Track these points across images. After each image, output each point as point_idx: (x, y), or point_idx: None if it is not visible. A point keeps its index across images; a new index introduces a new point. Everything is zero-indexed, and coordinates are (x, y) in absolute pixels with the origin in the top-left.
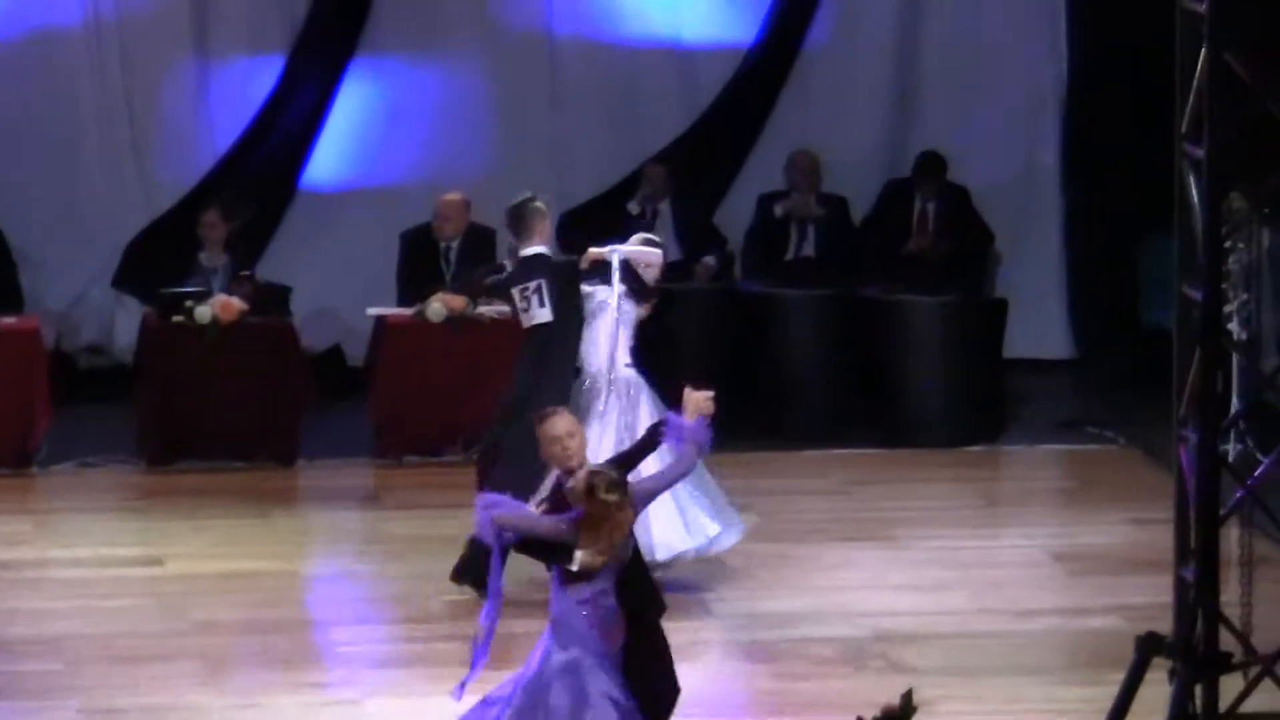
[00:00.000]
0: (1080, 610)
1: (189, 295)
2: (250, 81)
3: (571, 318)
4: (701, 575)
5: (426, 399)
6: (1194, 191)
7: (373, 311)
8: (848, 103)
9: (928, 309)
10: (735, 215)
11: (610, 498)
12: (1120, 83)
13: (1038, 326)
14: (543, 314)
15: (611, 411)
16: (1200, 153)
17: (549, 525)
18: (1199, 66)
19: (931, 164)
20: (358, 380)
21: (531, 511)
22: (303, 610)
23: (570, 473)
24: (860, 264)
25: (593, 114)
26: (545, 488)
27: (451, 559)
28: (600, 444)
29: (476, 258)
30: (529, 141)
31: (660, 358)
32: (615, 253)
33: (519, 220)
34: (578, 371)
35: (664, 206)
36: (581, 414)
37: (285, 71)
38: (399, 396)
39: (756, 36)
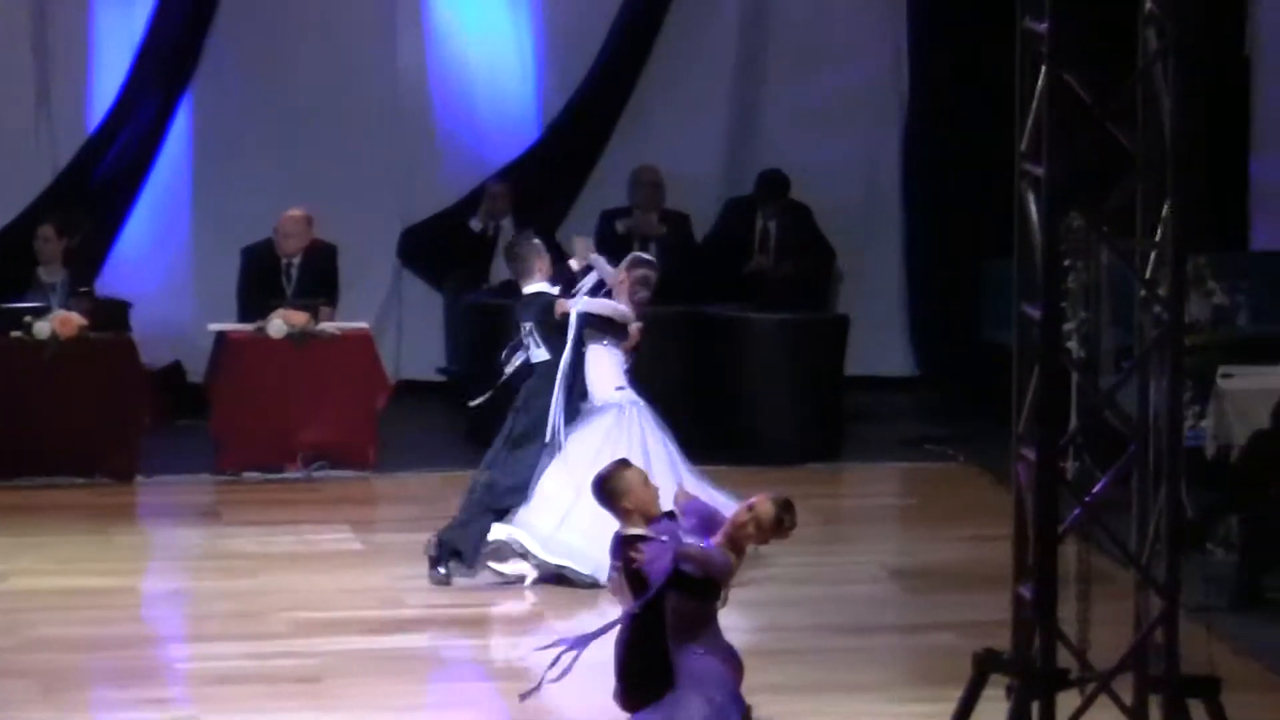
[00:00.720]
0: (920, 627)
1: (27, 311)
2: (90, 95)
3: (566, 351)
4: (541, 591)
5: (267, 415)
6: (1033, 210)
7: (213, 327)
8: (690, 120)
9: (769, 327)
10: (578, 232)
11: (791, 527)
12: (961, 103)
13: (879, 345)
14: (540, 354)
15: (609, 435)
16: (1040, 172)
17: (721, 561)
18: (1038, 86)
19: (773, 182)
20: (198, 396)
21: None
22: (142, 627)
23: (653, 518)
24: (703, 281)
25: (434, 131)
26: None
27: (292, 574)
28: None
29: (318, 274)
30: (371, 158)
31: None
32: (575, 306)
33: (516, 259)
34: (583, 397)
35: (506, 224)
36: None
37: (125, 86)
38: (239, 412)
39: (599, 54)
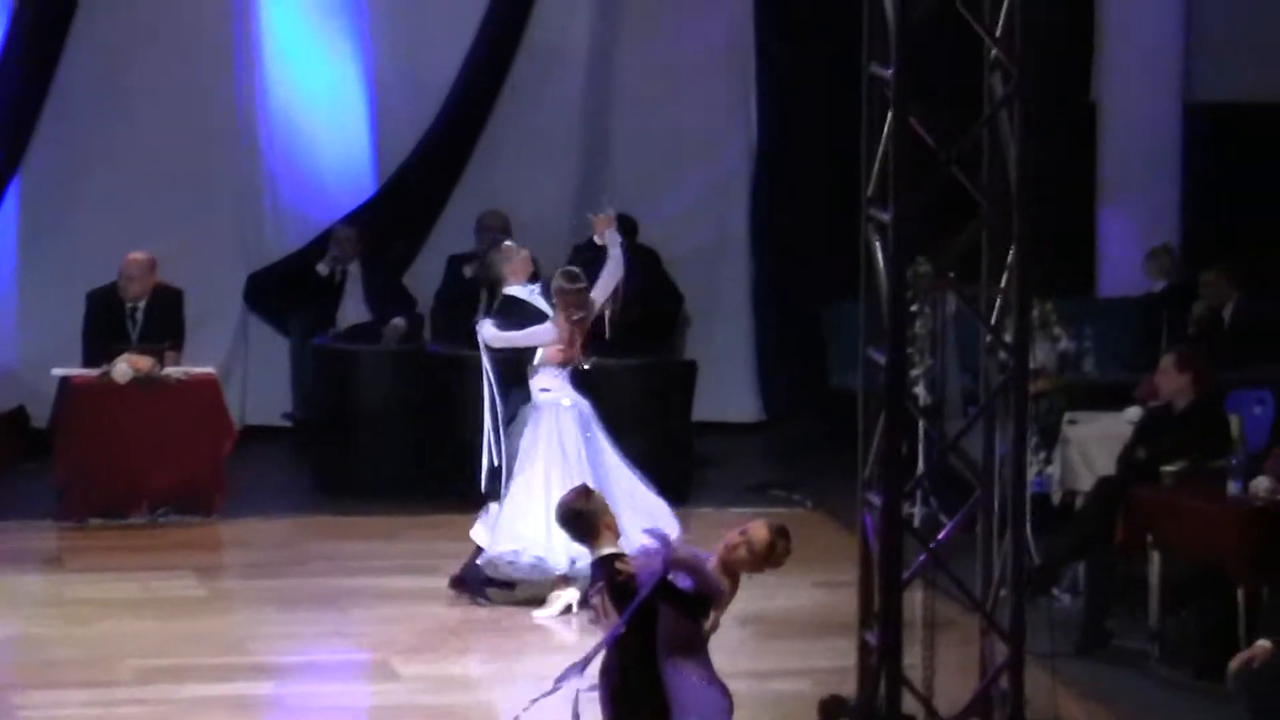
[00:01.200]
0: (768, 673)
1: None
2: None
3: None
4: (384, 637)
5: (112, 460)
6: (880, 255)
7: (57, 372)
8: (538, 164)
9: (617, 371)
10: (425, 276)
11: (785, 554)
12: (810, 147)
13: (726, 390)
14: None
15: (532, 436)
16: (886, 217)
17: (714, 577)
18: (885, 131)
19: (620, 226)
20: (42, 441)
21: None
22: None
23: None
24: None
25: (282, 175)
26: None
27: (138, 621)
28: (539, 467)
29: (164, 318)
30: (217, 202)
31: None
32: (483, 339)
33: (490, 269)
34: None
35: (353, 268)
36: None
37: None
38: (83, 458)
39: (447, 98)
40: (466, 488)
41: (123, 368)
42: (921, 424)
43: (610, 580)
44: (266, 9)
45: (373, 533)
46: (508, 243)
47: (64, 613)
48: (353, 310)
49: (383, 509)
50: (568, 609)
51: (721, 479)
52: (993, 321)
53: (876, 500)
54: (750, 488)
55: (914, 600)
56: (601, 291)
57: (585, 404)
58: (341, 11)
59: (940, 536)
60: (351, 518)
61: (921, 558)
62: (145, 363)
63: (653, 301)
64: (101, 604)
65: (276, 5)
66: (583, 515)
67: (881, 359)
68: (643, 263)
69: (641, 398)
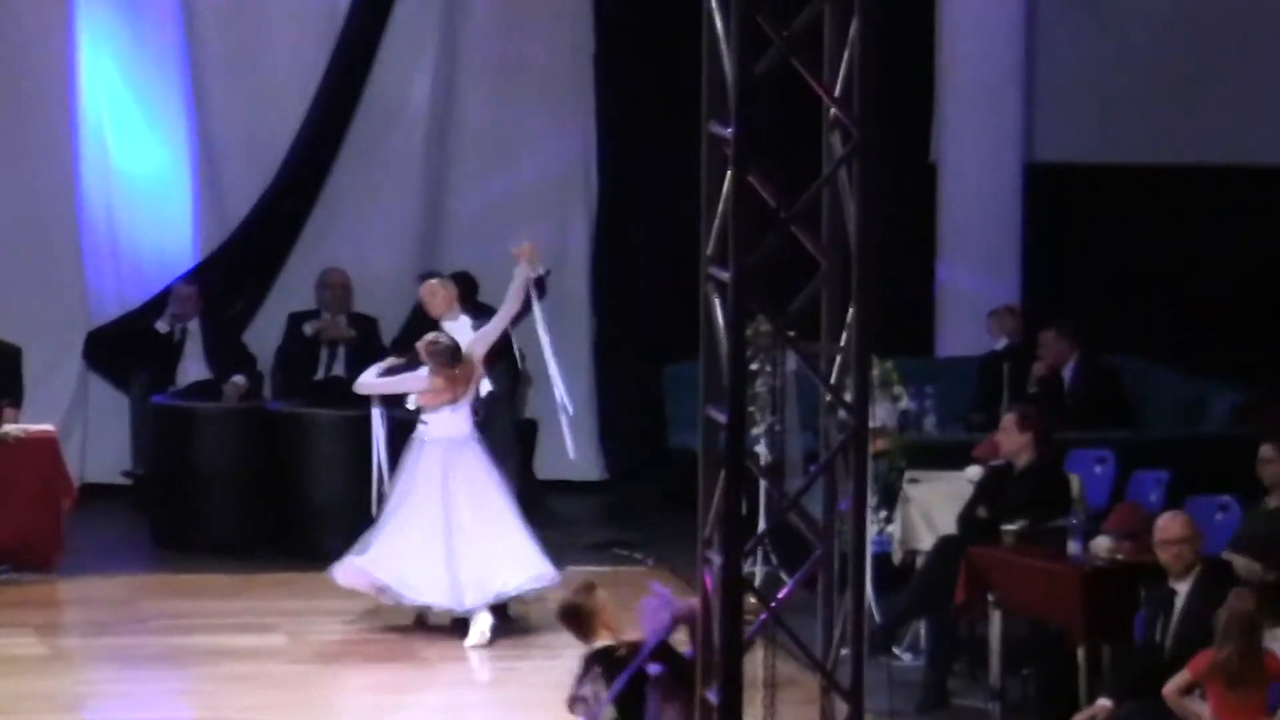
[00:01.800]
0: None
1: None
2: None
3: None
4: (224, 696)
5: None
6: (719, 314)
7: None
8: (378, 221)
9: None
10: (265, 334)
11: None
12: (649, 204)
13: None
14: (486, 386)
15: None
16: (725, 275)
17: None
18: (724, 190)
19: (462, 284)
20: None
21: None
22: None
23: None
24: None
25: (120, 231)
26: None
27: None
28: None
29: (2, 376)
30: (53, 258)
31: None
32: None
33: (427, 305)
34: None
35: (193, 325)
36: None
37: None
38: None
39: (286, 156)
40: (308, 545)
41: None
42: (762, 482)
43: (607, 661)
44: (94, 67)
45: (213, 591)
46: (431, 280)
47: None
48: (193, 368)
49: (223, 567)
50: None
51: (563, 537)
52: (832, 380)
53: (717, 558)
54: (592, 546)
55: (755, 659)
56: (498, 322)
57: (468, 443)
58: (177, 68)
59: (781, 595)
60: (191, 575)
61: (763, 616)
62: None
63: (491, 360)
64: None
65: (106, 63)
66: (580, 612)
67: (721, 418)
68: (483, 321)
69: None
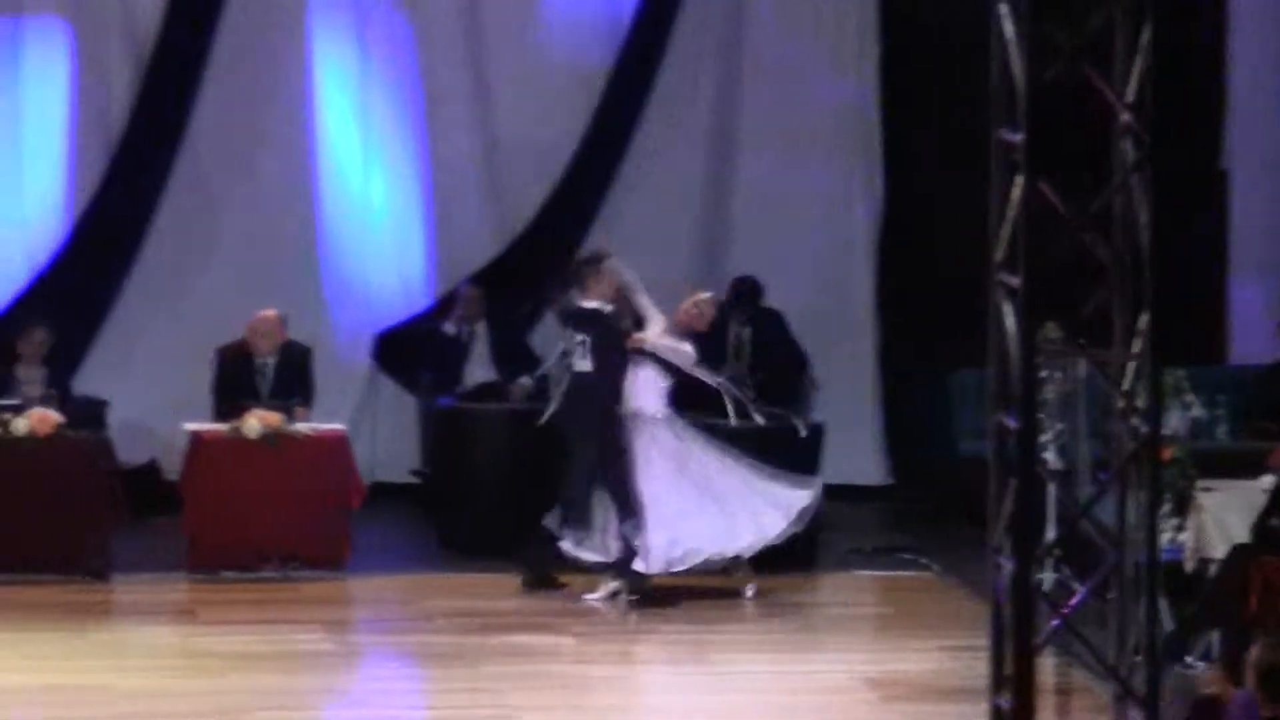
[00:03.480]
0: None
1: (5, 408)
2: (72, 192)
3: (609, 372)
4: (512, 694)
5: (241, 514)
6: (1009, 320)
7: (188, 427)
8: (662, 225)
9: (743, 433)
10: (552, 336)
11: None
12: (935, 214)
13: (853, 452)
14: (584, 365)
15: (653, 448)
16: (1015, 282)
17: None
18: (1013, 196)
19: (746, 289)
20: (174, 495)
21: None
22: None
23: None
24: (675, 389)
25: (406, 235)
26: None
27: (267, 675)
28: (648, 477)
29: (293, 375)
30: (344, 263)
31: None
32: (647, 344)
33: (579, 277)
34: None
35: (479, 328)
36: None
37: (104, 183)
38: (213, 511)
39: (571, 157)
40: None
41: (252, 423)
42: (1051, 489)
43: None
44: (331, 101)
45: (498, 590)
46: (605, 264)
47: (194, 665)
48: (479, 370)
49: (506, 567)
50: (614, 594)
51: (848, 542)
52: (1124, 387)
53: (1007, 565)
54: (876, 551)
55: (1046, 666)
56: (663, 344)
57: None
58: (465, 76)
59: (1072, 603)
60: (476, 575)
61: (1054, 624)
62: (275, 418)
63: (778, 364)
64: (231, 657)
65: (341, 97)
66: None
67: (1012, 424)
68: (768, 325)
69: (767, 460)
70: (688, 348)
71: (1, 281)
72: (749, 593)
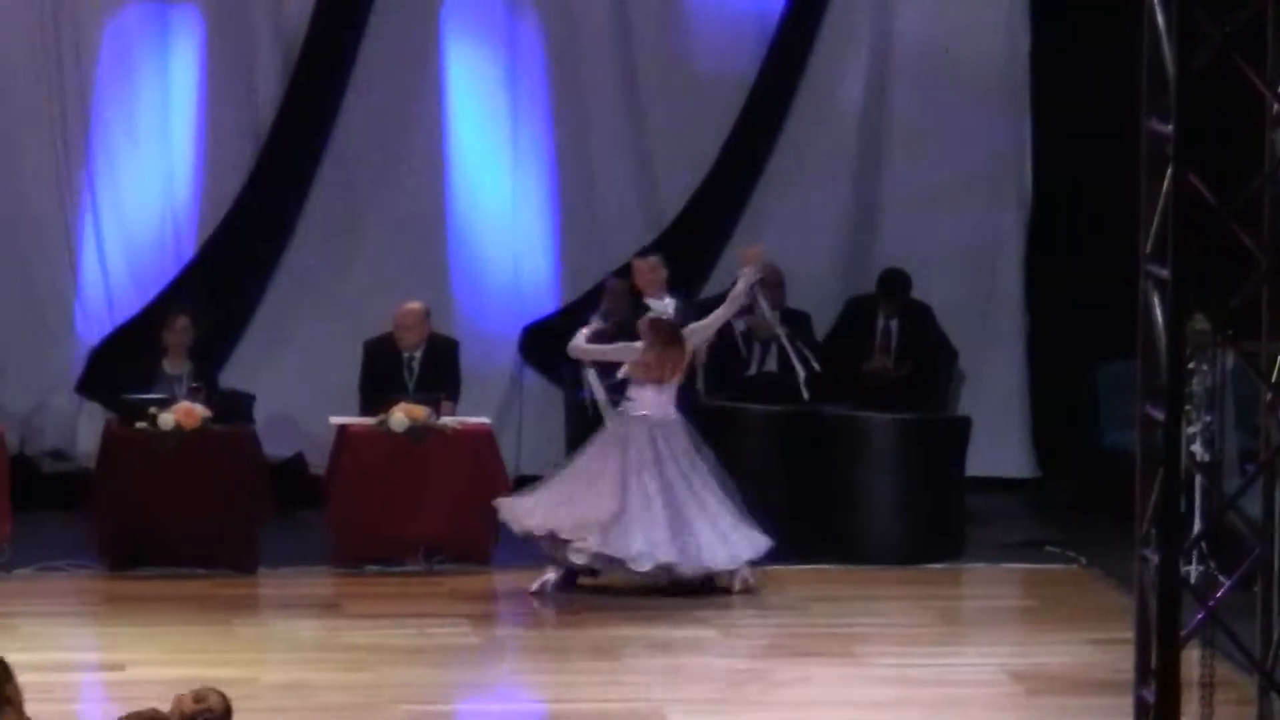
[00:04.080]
0: None
1: (152, 402)
2: (216, 186)
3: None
4: (660, 687)
5: (386, 508)
6: (1158, 312)
7: (335, 420)
8: (810, 218)
9: (888, 426)
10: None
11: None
12: (1084, 205)
13: (999, 445)
14: None
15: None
16: (1164, 273)
17: None
18: (1164, 187)
19: (894, 281)
20: (319, 489)
21: None
22: (260, 718)
23: None
24: (822, 380)
25: (554, 227)
26: None
27: (411, 668)
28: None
29: (439, 368)
30: (490, 254)
31: None
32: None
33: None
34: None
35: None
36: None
37: (251, 178)
38: (359, 505)
39: (719, 153)
40: None
41: (399, 417)
42: (1198, 481)
43: None
44: (462, 105)
45: (641, 584)
46: (652, 258)
47: (339, 658)
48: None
49: None
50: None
51: (994, 534)
52: (1274, 379)
53: (1153, 557)
54: (1023, 543)
55: (1191, 659)
56: (713, 320)
57: (675, 423)
58: (613, 69)
59: (1219, 595)
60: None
61: (1200, 617)
62: (421, 412)
63: (925, 356)
64: (376, 650)
65: (472, 102)
66: None
67: (1159, 416)
68: (916, 318)
69: (912, 452)
70: (626, 348)
71: (148, 276)
72: (738, 587)
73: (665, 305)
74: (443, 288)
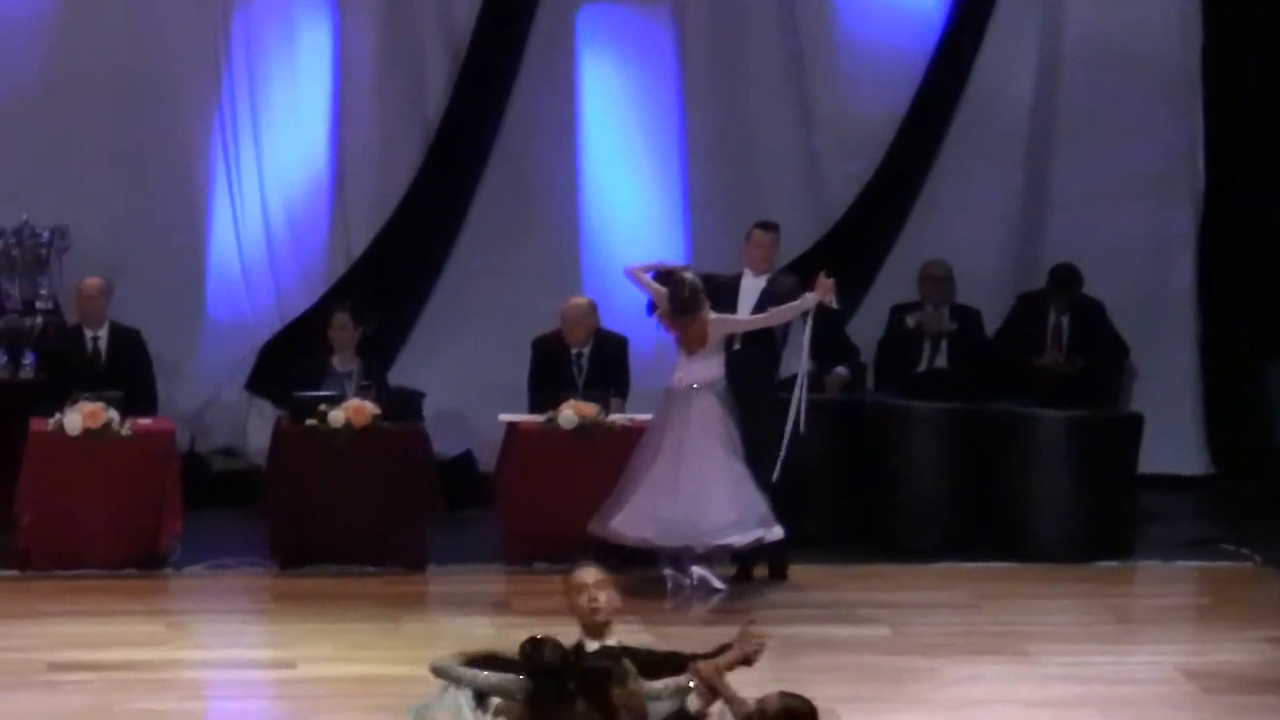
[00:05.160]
0: None
1: (322, 399)
2: (384, 185)
3: None
4: (828, 683)
5: (557, 506)
6: None
7: (504, 418)
8: (979, 214)
9: (1059, 424)
10: (868, 325)
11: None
12: (1259, 200)
13: (1171, 442)
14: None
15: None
16: None
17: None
18: None
19: (1065, 276)
20: (488, 486)
21: None
22: None
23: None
24: (992, 377)
25: (722, 224)
26: None
27: None
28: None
29: (608, 365)
30: (661, 251)
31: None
32: None
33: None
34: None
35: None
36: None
37: (419, 176)
38: (529, 503)
39: (889, 146)
40: (898, 538)
41: (568, 414)
42: None
43: None
44: (594, 114)
45: (804, 581)
46: (774, 232)
47: None
48: (794, 359)
49: (811, 557)
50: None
51: (1167, 532)
52: None
53: None
54: (1197, 541)
55: None
56: (750, 321)
57: (699, 392)
58: (782, 61)
59: None
60: (797, 565)
61: None
62: (590, 409)
63: (1096, 352)
64: None
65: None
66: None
67: None
68: (1087, 314)
69: (1083, 450)
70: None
71: (317, 274)
72: (718, 584)
73: (755, 284)
74: (612, 283)
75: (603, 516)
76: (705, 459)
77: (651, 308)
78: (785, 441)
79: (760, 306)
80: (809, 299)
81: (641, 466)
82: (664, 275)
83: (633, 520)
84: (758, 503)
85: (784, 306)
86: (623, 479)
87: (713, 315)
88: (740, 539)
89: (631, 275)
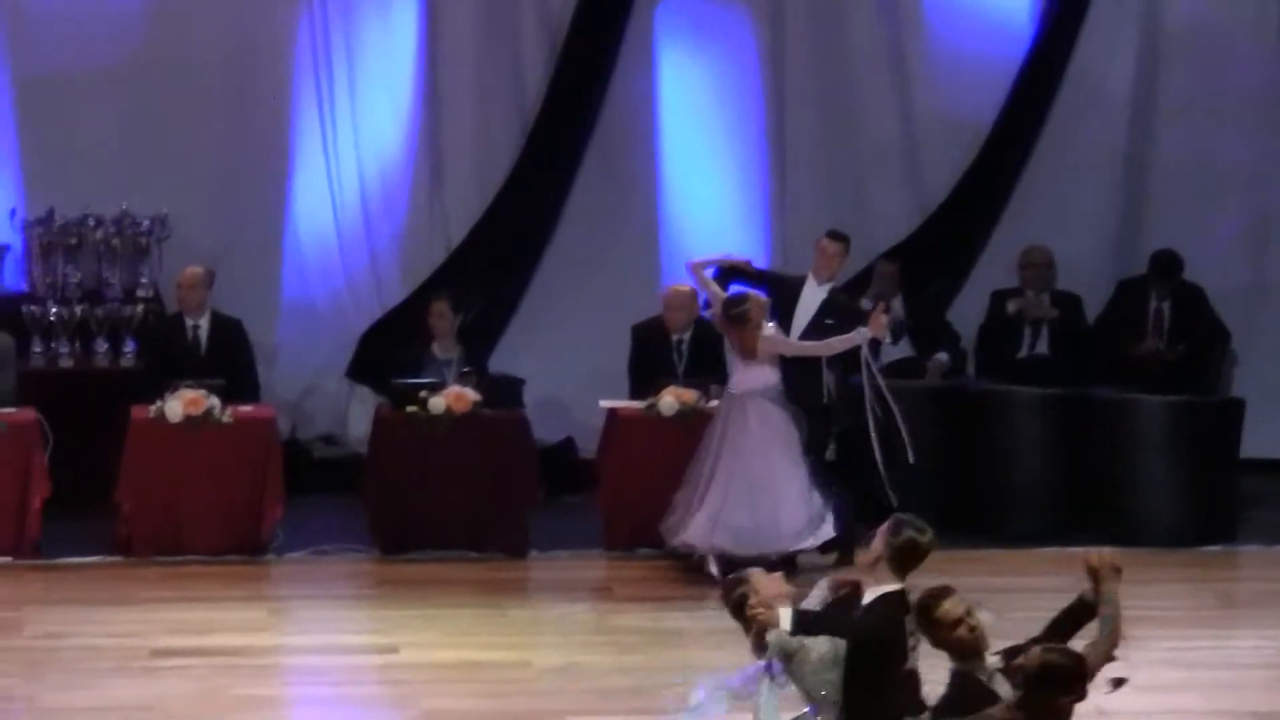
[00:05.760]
0: None
1: (422, 386)
2: (483, 173)
3: None
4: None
5: (657, 492)
6: None
7: (605, 404)
8: (1078, 201)
9: (1161, 409)
10: (969, 311)
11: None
12: None
13: (1273, 427)
14: None
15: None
16: None
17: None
18: None
19: (1167, 262)
20: (589, 472)
21: None
22: (533, 701)
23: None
24: (1093, 363)
25: (822, 211)
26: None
27: (682, 651)
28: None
29: (708, 351)
30: (759, 238)
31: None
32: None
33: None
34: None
35: (895, 304)
36: None
37: (517, 165)
38: (629, 489)
39: (988, 133)
40: (1000, 524)
41: (669, 400)
42: None
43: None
44: (673, 105)
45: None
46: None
47: (610, 641)
48: (896, 345)
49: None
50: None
51: (1269, 517)
52: None
53: None
54: None
55: None
56: (801, 347)
57: (753, 397)
58: (884, 52)
59: None
60: None
61: None
62: (690, 396)
63: (1197, 338)
64: (647, 633)
65: (683, 98)
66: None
67: None
68: (1188, 300)
69: (1185, 435)
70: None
71: (417, 261)
72: (713, 568)
73: (819, 291)
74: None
75: (672, 529)
76: (770, 466)
77: (706, 305)
78: (901, 424)
79: (819, 318)
80: (862, 334)
81: (701, 475)
82: (727, 271)
83: (707, 531)
84: (818, 502)
85: (836, 339)
86: (684, 490)
87: (766, 332)
88: (812, 543)
89: (692, 271)
